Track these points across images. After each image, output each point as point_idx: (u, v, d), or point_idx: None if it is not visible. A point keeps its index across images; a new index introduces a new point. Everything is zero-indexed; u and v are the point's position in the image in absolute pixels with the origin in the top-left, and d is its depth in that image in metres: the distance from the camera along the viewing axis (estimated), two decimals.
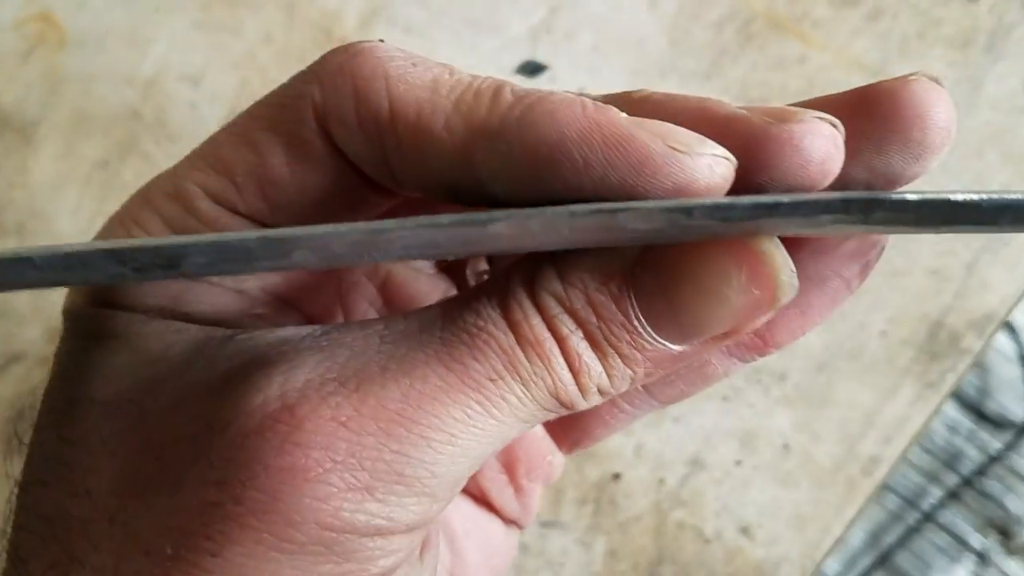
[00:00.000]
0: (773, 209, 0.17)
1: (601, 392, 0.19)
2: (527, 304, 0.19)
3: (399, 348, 0.18)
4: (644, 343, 0.19)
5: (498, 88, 0.19)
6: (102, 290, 0.22)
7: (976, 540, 1.14)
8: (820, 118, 0.18)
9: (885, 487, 1.27)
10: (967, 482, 1.15)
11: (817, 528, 0.38)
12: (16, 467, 0.21)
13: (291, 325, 0.21)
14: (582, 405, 0.19)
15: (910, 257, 0.38)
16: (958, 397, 1.16)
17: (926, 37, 0.38)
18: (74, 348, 0.21)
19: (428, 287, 0.27)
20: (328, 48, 0.20)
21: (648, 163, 0.17)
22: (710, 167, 0.17)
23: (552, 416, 0.20)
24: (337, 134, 0.20)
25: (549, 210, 0.17)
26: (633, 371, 0.19)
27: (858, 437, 0.38)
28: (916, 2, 0.38)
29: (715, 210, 0.17)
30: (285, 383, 0.18)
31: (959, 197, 0.17)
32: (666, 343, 0.19)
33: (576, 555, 0.39)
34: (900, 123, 0.18)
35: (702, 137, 0.18)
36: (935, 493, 1.15)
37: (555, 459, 0.28)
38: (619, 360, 0.19)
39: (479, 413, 0.18)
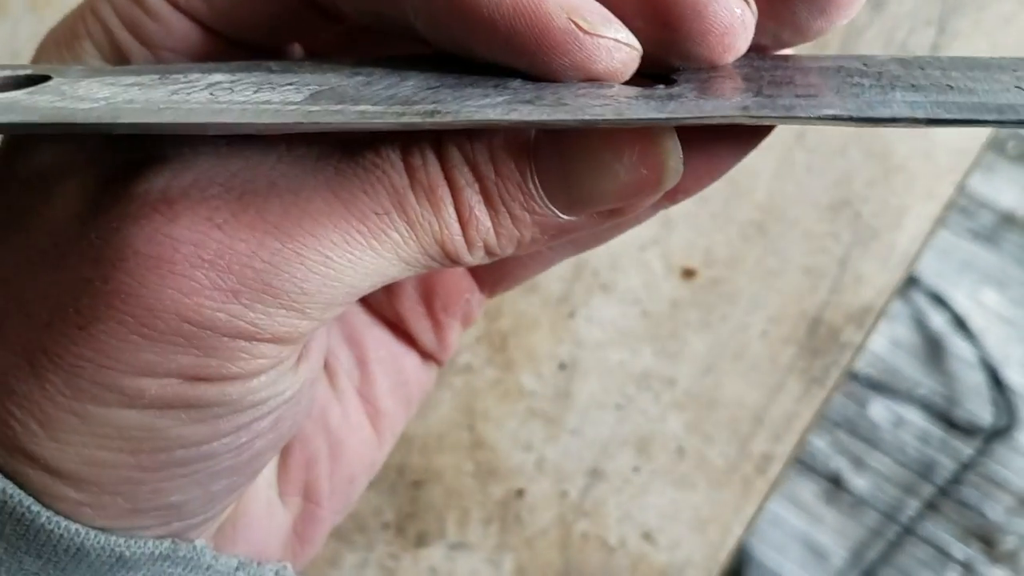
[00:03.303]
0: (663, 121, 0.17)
1: (487, 249, 0.20)
2: (428, 152, 0.19)
3: (293, 169, 0.19)
4: (535, 206, 0.19)
5: None
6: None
7: (959, 551, 1.14)
8: None
9: (862, 502, 1.27)
10: (943, 492, 1.15)
11: (717, 529, 0.39)
12: None
13: None
14: (467, 259, 0.20)
15: (783, 256, 0.39)
16: (926, 406, 1.16)
17: None
18: None
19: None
20: None
21: (547, 36, 0.17)
22: (609, 51, 0.18)
23: (436, 266, 0.20)
24: None
25: (382, 111, 0.17)
26: (520, 233, 0.20)
27: (749, 436, 0.39)
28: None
29: (597, 122, 0.16)
30: (172, 178, 0.19)
31: (830, 111, 0.16)
32: (555, 211, 0.19)
33: (485, 575, 0.39)
34: None
35: (609, 17, 0.18)
36: (913, 505, 1.15)
37: (474, 299, 0.29)
38: (509, 220, 0.19)
39: (358, 243, 0.18)
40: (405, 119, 0.16)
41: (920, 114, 0.16)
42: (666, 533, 0.39)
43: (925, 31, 0.40)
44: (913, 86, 0.18)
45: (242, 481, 0.22)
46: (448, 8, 0.18)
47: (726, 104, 0.17)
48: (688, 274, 0.40)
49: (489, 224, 0.19)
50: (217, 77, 0.19)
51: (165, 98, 0.18)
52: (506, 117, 0.16)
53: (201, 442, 0.20)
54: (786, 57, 0.20)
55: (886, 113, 0.16)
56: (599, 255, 0.40)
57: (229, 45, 0.22)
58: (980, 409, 1.15)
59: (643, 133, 0.19)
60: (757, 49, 0.20)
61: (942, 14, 0.40)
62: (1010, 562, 1.09)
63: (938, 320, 1.15)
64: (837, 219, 0.39)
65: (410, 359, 0.29)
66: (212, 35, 0.22)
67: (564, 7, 0.17)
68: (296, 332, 0.19)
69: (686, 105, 0.17)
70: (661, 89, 0.18)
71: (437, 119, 0.16)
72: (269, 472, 0.27)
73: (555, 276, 0.40)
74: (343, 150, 0.19)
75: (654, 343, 0.40)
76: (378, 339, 0.28)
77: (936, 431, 1.17)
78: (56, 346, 0.18)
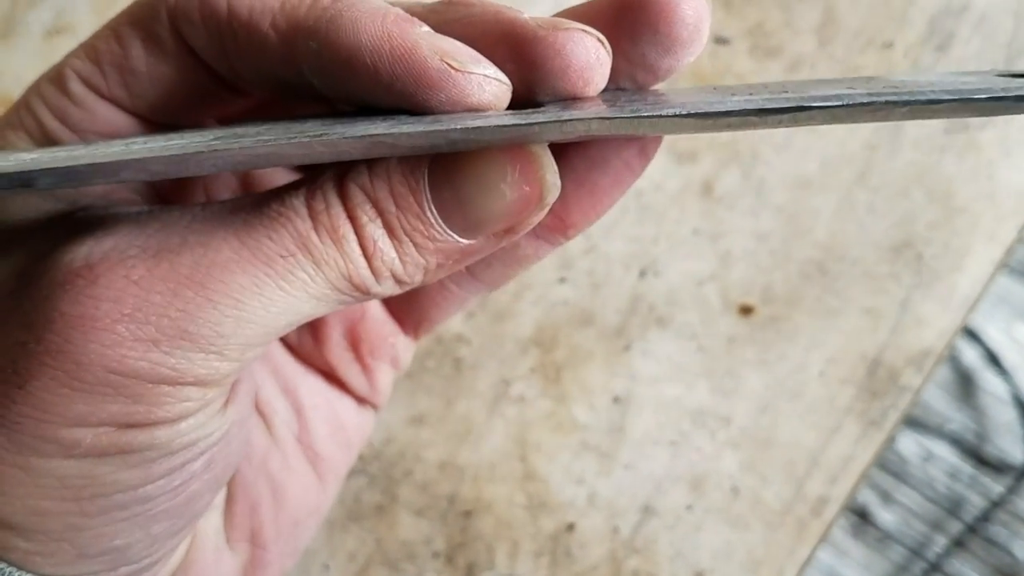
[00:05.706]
0: (528, 127, 0.19)
1: (395, 278, 0.21)
2: (332, 195, 0.20)
3: (205, 225, 0.20)
4: (435, 233, 0.21)
5: None
6: None
7: None
8: (584, 30, 0.20)
9: (888, 537, 1.26)
10: (972, 529, 1.14)
11: (771, 571, 0.38)
12: None
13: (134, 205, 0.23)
14: (377, 289, 0.21)
15: (843, 296, 0.39)
16: (956, 442, 1.15)
17: None
18: None
19: (285, 178, 0.29)
20: None
21: (425, 77, 0.19)
22: (480, 85, 0.20)
23: (350, 300, 0.22)
24: (185, 32, 0.22)
25: (315, 132, 0.19)
26: (426, 260, 0.21)
27: (805, 477, 0.38)
28: (833, 51, 0.39)
29: (469, 131, 0.19)
30: (94, 246, 0.20)
31: (683, 110, 0.19)
32: (454, 235, 0.21)
33: None
34: (649, 17, 0.20)
35: (478, 58, 0.20)
36: (940, 542, 1.14)
37: (399, 342, 0.31)
38: (412, 248, 0.21)
39: (267, 284, 0.20)
40: (296, 140, 0.18)
41: (751, 106, 0.18)
42: (719, 573, 0.38)
43: None
44: (751, 94, 0.20)
45: (182, 524, 0.24)
46: (337, 60, 0.20)
47: (584, 112, 0.19)
48: (746, 311, 0.39)
49: (394, 254, 0.21)
50: (134, 139, 0.21)
51: (84, 152, 0.20)
52: (391, 131, 0.18)
53: (137, 486, 0.21)
54: (647, 91, 0.22)
55: (720, 108, 0.18)
56: (656, 289, 0.40)
57: (149, 125, 0.24)
58: (1011, 446, 1.14)
59: (520, 152, 0.21)
60: (619, 90, 0.22)
61: (1008, 57, 0.40)
62: None
63: (971, 355, 1.14)
64: (898, 260, 0.39)
65: (345, 404, 0.31)
66: (133, 118, 0.24)
67: (437, 51, 0.19)
68: (217, 374, 0.21)
69: (547, 114, 0.19)
70: (530, 108, 0.20)
71: (325, 138, 0.18)
72: (216, 519, 0.28)
73: (611, 309, 0.40)
74: (252, 203, 0.21)
75: (710, 379, 0.39)
76: (312, 387, 0.30)
77: (966, 467, 1.16)
78: None
